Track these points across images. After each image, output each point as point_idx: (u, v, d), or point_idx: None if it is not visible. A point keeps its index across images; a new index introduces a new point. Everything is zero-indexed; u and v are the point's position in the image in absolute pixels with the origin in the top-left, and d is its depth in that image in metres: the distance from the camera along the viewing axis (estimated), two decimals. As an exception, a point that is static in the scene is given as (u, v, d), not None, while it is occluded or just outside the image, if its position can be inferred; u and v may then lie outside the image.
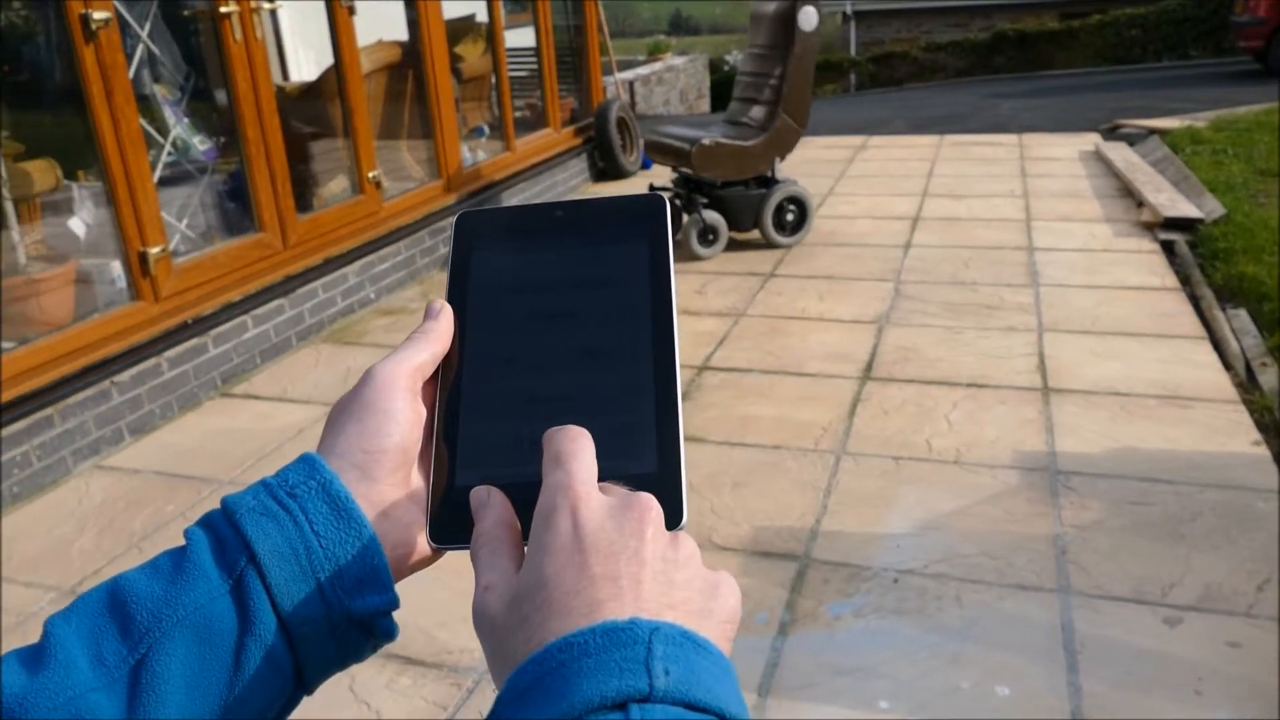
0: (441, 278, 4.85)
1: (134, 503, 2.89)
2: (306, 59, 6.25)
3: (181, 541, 0.41)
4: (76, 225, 3.61)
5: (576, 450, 0.39)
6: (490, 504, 0.42)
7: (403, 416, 0.44)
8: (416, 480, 0.45)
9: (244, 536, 0.40)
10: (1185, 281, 4.19)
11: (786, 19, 4.67)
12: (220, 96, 4.01)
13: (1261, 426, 2.92)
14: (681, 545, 0.38)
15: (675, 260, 0.48)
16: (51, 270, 3.37)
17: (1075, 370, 3.37)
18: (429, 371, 0.47)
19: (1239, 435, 2.87)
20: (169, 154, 4.04)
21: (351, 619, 0.41)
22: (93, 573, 2.54)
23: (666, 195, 4.76)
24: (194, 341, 3.54)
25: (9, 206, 3.40)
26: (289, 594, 0.39)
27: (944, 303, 4.10)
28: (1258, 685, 1.91)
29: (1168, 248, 4.63)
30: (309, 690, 0.42)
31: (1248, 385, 3.22)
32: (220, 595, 0.39)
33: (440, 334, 0.47)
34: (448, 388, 0.47)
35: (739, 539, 2.50)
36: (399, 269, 4.68)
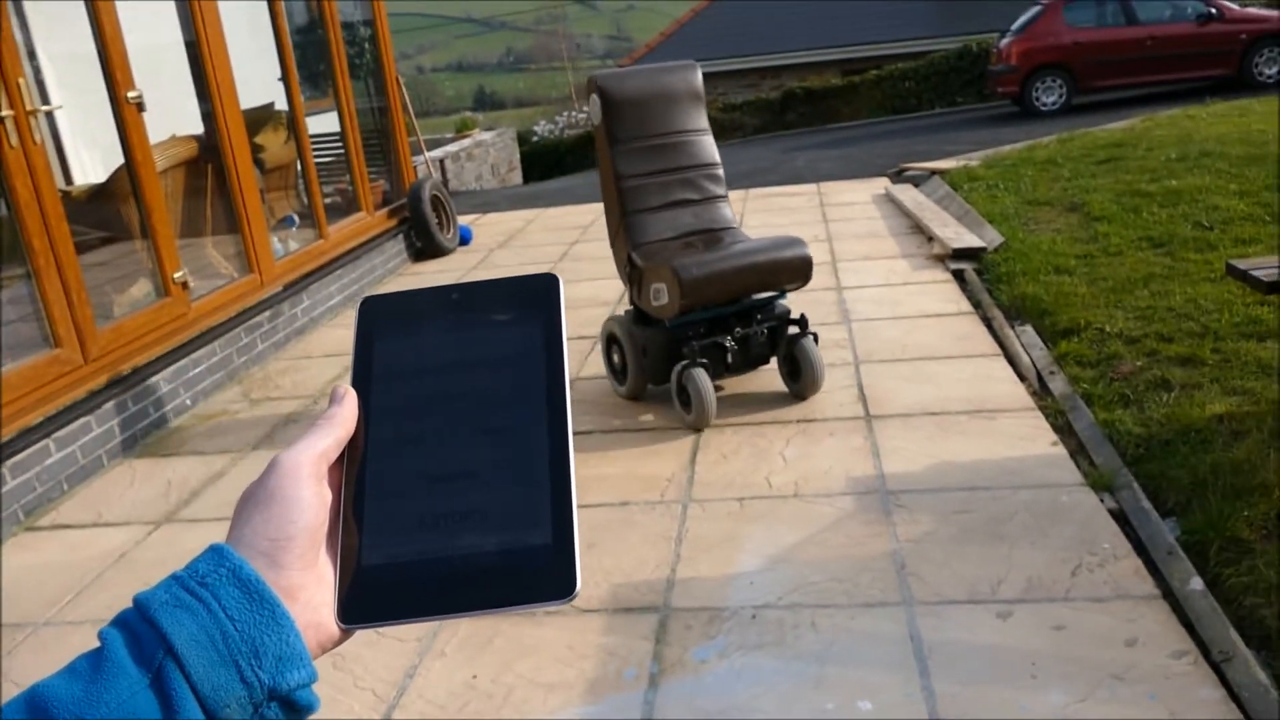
0: (261, 374, 4.67)
1: (-67, 656, 2.61)
2: (92, 159, 5.93)
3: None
4: None
5: None
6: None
7: (307, 503, 0.46)
8: (324, 563, 0.47)
9: (159, 629, 0.41)
10: (977, 305, 4.56)
11: (696, 90, 3.72)
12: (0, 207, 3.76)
13: (1056, 429, 3.20)
14: None
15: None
16: None
17: (892, 396, 3.59)
18: (334, 456, 0.48)
19: (1039, 439, 3.14)
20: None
21: (272, 697, 0.42)
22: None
23: (726, 340, 3.41)
24: (-10, 471, 3.25)
25: None
26: (209, 680, 0.40)
27: (767, 346, 4.28)
28: (1083, 662, 2.07)
29: (959, 276, 5.03)
30: None
31: (1040, 393, 3.53)
32: (141, 690, 0.39)
33: (344, 419, 0.49)
34: (353, 470, 0.49)
35: (599, 599, 2.51)
36: (215, 370, 4.48)
